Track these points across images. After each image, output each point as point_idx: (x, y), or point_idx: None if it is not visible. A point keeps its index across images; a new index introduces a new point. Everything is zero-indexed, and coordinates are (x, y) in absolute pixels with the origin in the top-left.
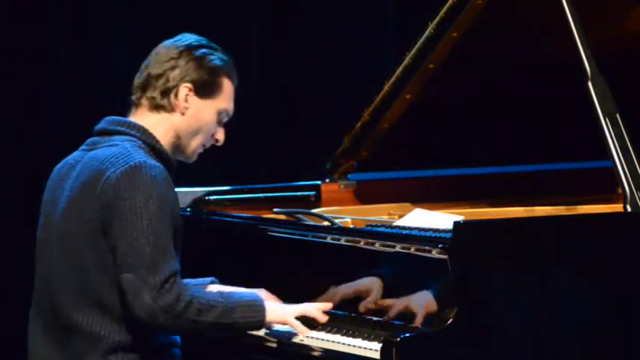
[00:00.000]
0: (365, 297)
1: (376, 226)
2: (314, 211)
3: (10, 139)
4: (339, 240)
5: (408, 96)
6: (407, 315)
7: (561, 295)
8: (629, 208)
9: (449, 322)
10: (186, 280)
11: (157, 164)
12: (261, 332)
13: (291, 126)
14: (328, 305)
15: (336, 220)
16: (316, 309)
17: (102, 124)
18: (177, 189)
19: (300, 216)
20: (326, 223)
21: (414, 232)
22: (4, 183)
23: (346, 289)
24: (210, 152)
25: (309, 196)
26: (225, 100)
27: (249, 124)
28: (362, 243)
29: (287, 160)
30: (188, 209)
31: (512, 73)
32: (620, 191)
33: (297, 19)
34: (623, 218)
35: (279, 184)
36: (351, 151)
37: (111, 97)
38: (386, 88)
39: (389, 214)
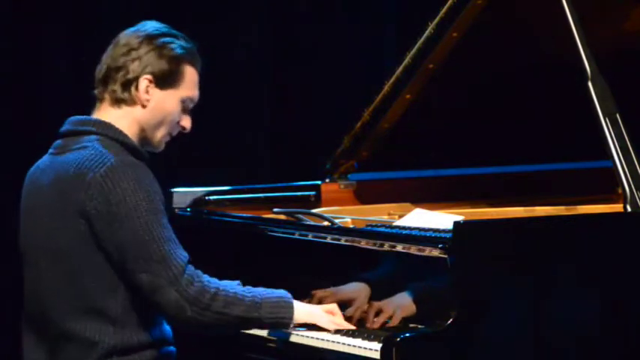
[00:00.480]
0: (357, 305)
1: (376, 226)
2: (314, 211)
3: (10, 139)
4: (339, 240)
5: (408, 96)
6: (406, 314)
7: (561, 295)
8: (629, 208)
9: (449, 322)
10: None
11: (132, 159)
12: (262, 332)
13: (291, 126)
14: (342, 326)
15: (336, 220)
16: (339, 317)
17: (67, 126)
18: (177, 189)
19: (300, 216)
20: (326, 223)
21: (414, 232)
22: (4, 183)
23: (340, 295)
24: (211, 152)
25: (309, 196)
26: (188, 88)
27: (249, 124)
28: (362, 243)
29: (287, 160)
30: (188, 209)
31: (512, 73)
32: (620, 191)
33: (297, 19)
34: (623, 218)
35: (279, 184)
36: (351, 151)
37: None
38: (386, 88)
39: (389, 214)
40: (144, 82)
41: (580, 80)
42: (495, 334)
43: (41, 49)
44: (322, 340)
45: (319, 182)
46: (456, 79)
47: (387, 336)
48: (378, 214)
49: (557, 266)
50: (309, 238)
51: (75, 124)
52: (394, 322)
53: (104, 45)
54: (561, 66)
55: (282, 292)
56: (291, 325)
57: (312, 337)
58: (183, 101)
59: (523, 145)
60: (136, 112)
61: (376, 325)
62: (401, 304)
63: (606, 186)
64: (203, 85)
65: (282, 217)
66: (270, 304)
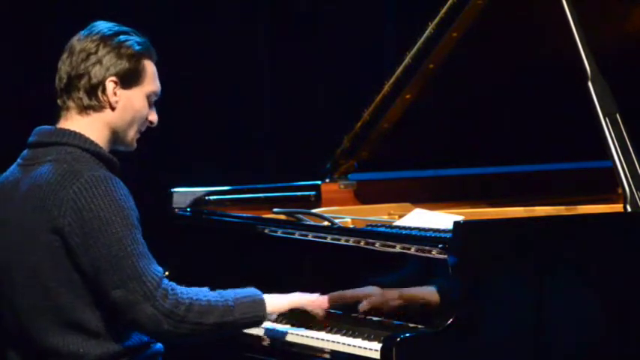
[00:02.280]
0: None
1: (376, 226)
2: (314, 211)
3: (10, 138)
4: (339, 240)
5: (408, 96)
6: (407, 314)
7: (561, 295)
8: (629, 208)
9: (449, 322)
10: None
11: (105, 173)
12: (261, 332)
13: (292, 126)
14: (325, 304)
15: (336, 220)
16: (313, 304)
17: (34, 137)
18: (177, 189)
19: (300, 216)
20: (326, 223)
21: (414, 232)
22: None
23: (348, 296)
24: (211, 152)
25: (309, 196)
26: (151, 82)
27: (249, 124)
28: (362, 243)
29: (287, 160)
30: (188, 209)
31: (512, 72)
32: (620, 191)
33: (297, 19)
34: (623, 218)
35: (279, 184)
36: (351, 151)
37: None
38: (386, 88)
39: (389, 214)
40: (110, 84)
41: (580, 80)
42: (495, 334)
43: (42, 49)
44: (322, 340)
45: (319, 182)
46: (455, 79)
47: (387, 336)
48: (378, 214)
49: (557, 266)
50: (309, 238)
51: (43, 135)
52: (393, 319)
53: None
54: (561, 66)
55: (252, 291)
56: (264, 323)
57: (312, 337)
58: (148, 96)
59: (523, 145)
60: (106, 116)
61: (366, 307)
62: (401, 301)
63: (606, 186)
64: (203, 85)
65: (282, 217)
66: (243, 305)
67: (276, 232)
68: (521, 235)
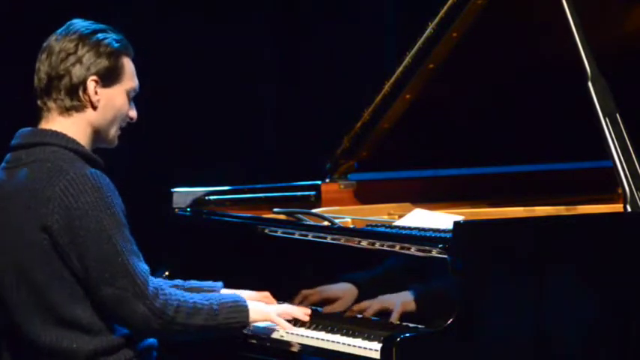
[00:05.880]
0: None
1: (376, 226)
2: (314, 211)
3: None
4: (339, 240)
5: (408, 96)
6: (407, 314)
7: (561, 295)
8: (629, 208)
9: (449, 322)
10: (194, 282)
11: (90, 170)
12: (261, 332)
13: (292, 126)
14: (308, 310)
15: (336, 220)
16: (297, 310)
17: (18, 140)
18: (177, 189)
19: (300, 216)
20: (326, 223)
21: (414, 232)
22: None
23: (326, 293)
24: (211, 152)
25: (309, 196)
26: (130, 79)
27: (249, 123)
28: (362, 243)
29: (287, 160)
30: (188, 209)
31: (513, 73)
32: (620, 191)
33: (297, 19)
34: (623, 218)
35: (279, 184)
36: (351, 151)
37: None
38: (386, 88)
39: (389, 214)
40: (91, 83)
41: (580, 80)
42: (495, 334)
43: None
44: (322, 340)
45: (319, 182)
46: (455, 79)
47: (387, 336)
48: (378, 214)
49: (557, 266)
50: (309, 238)
51: (26, 136)
52: (393, 319)
53: None
54: (561, 66)
55: (235, 296)
56: (247, 328)
57: (312, 337)
58: (128, 93)
59: (523, 145)
60: (88, 115)
61: (370, 313)
62: (401, 301)
63: (606, 186)
64: (204, 85)
65: (282, 217)
66: (227, 309)
67: (276, 232)
68: (521, 235)
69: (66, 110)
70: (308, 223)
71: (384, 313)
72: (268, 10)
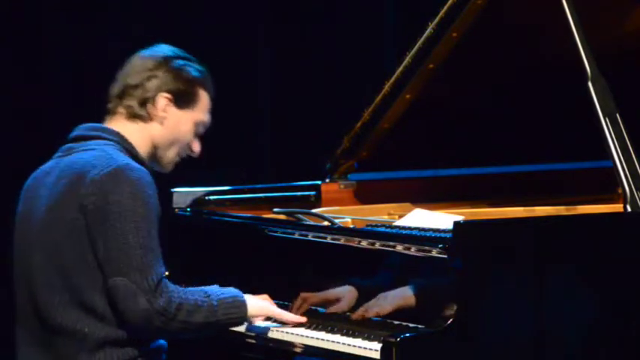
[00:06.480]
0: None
1: (376, 226)
2: (314, 211)
3: (10, 138)
4: (339, 240)
5: (408, 96)
6: (407, 314)
7: (561, 295)
8: (629, 208)
9: (449, 322)
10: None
11: (140, 167)
12: (261, 331)
13: (291, 126)
14: (303, 319)
15: (336, 220)
16: (292, 317)
17: (77, 131)
18: (177, 189)
19: (300, 216)
20: (326, 223)
21: (414, 232)
22: (4, 183)
23: (324, 296)
24: (211, 152)
25: (309, 196)
26: (202, 111)
27: (249, 123)
28: (362, 243)
29: (287, 160)
30: (188, 209)
31: (513, 73)
32: (620, 191)
33: (297, 19)
34: (623, 218)
35: (279, 184)
36: (351, 151)
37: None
38: (386, 88)
39: (389, 214)
40: (162, 99)
41: (580, 80)
42: (495, 334)
43: (41, 48)
44: (322, 340)
45: (319, 182)
46: (455, 79)
47: (387, 336)
48: (378, 214)
49: (557, 266)
50: (309, 238)
51: (85, 129)
52: (393, 319)
53: (104, 47)
54: (561, 66)
55: (234, 291)
56: (245, 322)
57: (312, 337)
58: (196, 124)
59: (523, 145)
60: (152, 128)
61: (370, 314)
62: (401, 301)
63: (606, 186)
64: None
65: (282, 217)
66: (226, 305)
67: (276, 232)
68: (521, 235)
69: (133, 117)
70: (308, 223)
71: (384, 314)
72: (268, 10)
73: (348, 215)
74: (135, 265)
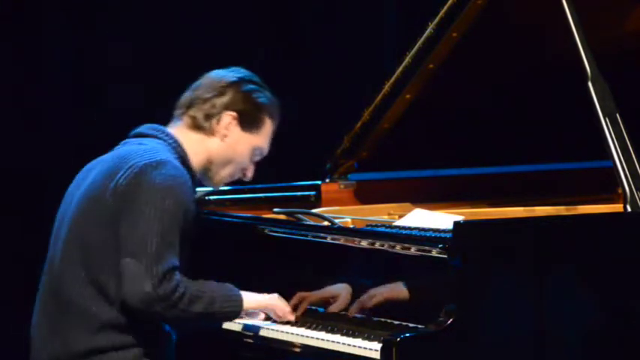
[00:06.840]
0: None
1: (376, 226)
2: (314, 211)
3: (10, 138)
4: (339, 240)
5: (408, 96)
6: (407, 314)
7: (561, 295)
8: (629, 208)
9: (449, 322)
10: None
11: (182, 168)
12: (260, 331)
13: (291, 126)
14: (292, 317)
15: (336, 220)
16: (284, 314)
17: (139, 129)
18: None
19: (300, 216)
20: (326, 223)
21: (414, 232)
22: (4, 183)
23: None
24: None
25: (309, 196)
26: (263, 138)
27: None
28: (362, 243)
29: (287, 160)
30: None
31: (513, 73)
32: (620, 191)
33: (297, 19)
34: (623, 218)
35: (279, 184)
36: (351, 151)
37: (111, 97)
38: (386, 88)
39: (389, 214)
40: (227, 117)
41: (580, 80)
42: (495, 334)
43: (41, 48)
44: (322, 340)
45: (319, 182)
46: (455, 79)
47: (387, 336)
48: (378, 214)
49: (557, 266)
50: (309, 238)
51: (147, 128)
52: (393, 319)
53: (104, 46)
54: (561, 66)
55: (228, 286)
56: (239, 317)
57: (312, 337)
58: (254, 149)
59: (523, 145)
60: (211, 142)
61: (370, 313)
62: (401, 301)
63: (606, 186)
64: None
65: (282, 217)
66: (222, 298)
67: (276, 232)
68: (521, 235)
69: (195, 127)
70: (308, 223)
71: (384, 313)
72: (268, 10)
73: (348, 215)
74: (149, 251)
